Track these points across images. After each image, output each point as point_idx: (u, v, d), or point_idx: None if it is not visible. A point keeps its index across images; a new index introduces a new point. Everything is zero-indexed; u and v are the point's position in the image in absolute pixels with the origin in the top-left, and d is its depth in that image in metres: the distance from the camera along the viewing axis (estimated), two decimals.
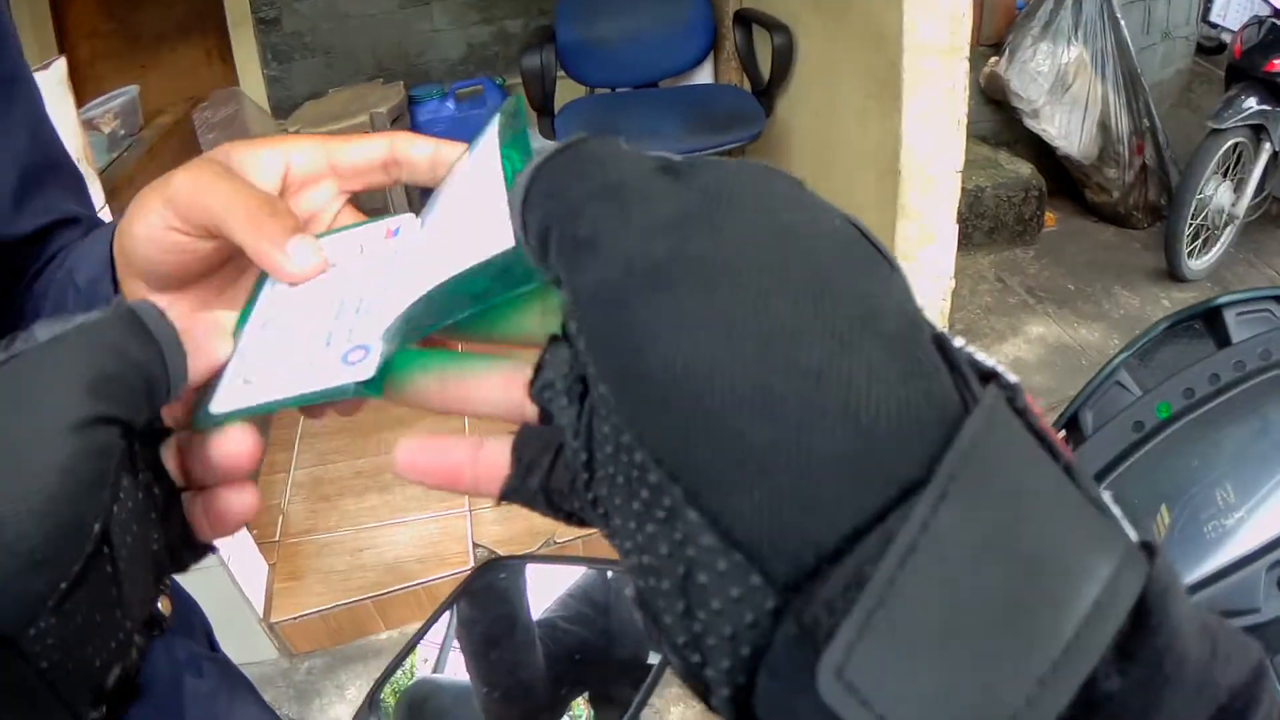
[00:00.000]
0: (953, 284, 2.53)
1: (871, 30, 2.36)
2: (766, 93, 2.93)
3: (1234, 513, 0.67)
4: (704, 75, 3.40)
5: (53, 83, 1.95)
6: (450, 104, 3.83)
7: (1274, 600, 0.64)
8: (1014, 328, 3.24)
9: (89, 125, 2.51)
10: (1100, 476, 0.71)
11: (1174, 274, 3.50)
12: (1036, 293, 3.44)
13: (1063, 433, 0.83)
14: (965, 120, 2.34)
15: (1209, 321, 0.80)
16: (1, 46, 0.71)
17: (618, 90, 3.38)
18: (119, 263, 0.50)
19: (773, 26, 2.84)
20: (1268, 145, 3.42)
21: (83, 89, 4.38)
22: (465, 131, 3.75)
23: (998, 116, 3.94)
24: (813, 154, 2.91)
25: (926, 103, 2.27)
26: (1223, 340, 0.78)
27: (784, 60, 2.82)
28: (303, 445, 2.79)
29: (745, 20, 3.05)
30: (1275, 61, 3.35)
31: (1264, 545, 0.66)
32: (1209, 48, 4.79)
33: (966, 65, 2.29)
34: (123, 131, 2.63)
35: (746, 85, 3.12)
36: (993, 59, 3.79)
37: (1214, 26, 4.49)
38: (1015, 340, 3.18)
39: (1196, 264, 3.54)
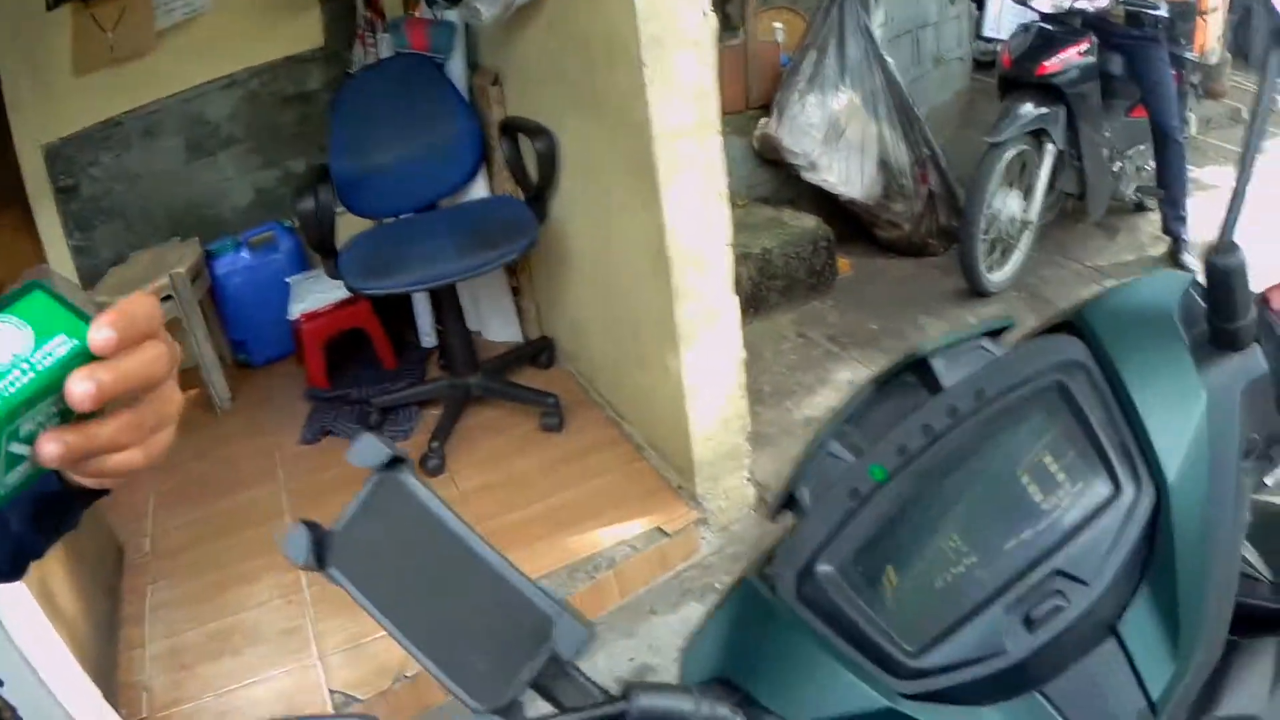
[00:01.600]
0: (743, 354, 2.58)
1: (623, 120, 2.42)
2: (539, 198, 2.97)
3: (964, 560, 0.67)
4: (480, 189, 3.43)
5: None
6: (245, 254, 3.86)
7: (1018, 638, 0.64)
8: (821, 379, 3.29)
9: None
10: (822, 550, 0.68)
11: (977, 290, 3.60)
12: (840, 340, 3.50)
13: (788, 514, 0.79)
14: (725, 192, 2.41)
15: (919, 373, 0.76)
16: None
17: (401, 217, 3.39)
18: None
19: (534, 132, 2.89)
20: (1050, 146, 3.54)
21: None
22: (263, 278, 3.80)
23: (776, 176, 3.99)
24: (589, 252, 2.97)
25: (685, 183, 2.34)
26: (935, 389, 0.74)
27: (548, 164, 2.87)
28: (154, 618, 2.75)
29: (511, 130, 3.09)
30: (1045, 64, 3.46)
31: (999, 586, 0.65)
32: (987, 63, 4.89)
33: (719, 139, 2.37)
34: None
35: (521, 195, 3.17)
36: (763, 120, 3.87)
37: (988, 41, 4.62)
38: (824, 390, 3.23)
39: (998, 276, 3.66)
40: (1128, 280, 0.81)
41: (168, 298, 3.47)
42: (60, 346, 0.54)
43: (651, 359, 2.67)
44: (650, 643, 2.45)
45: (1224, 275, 0.67)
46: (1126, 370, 0.69)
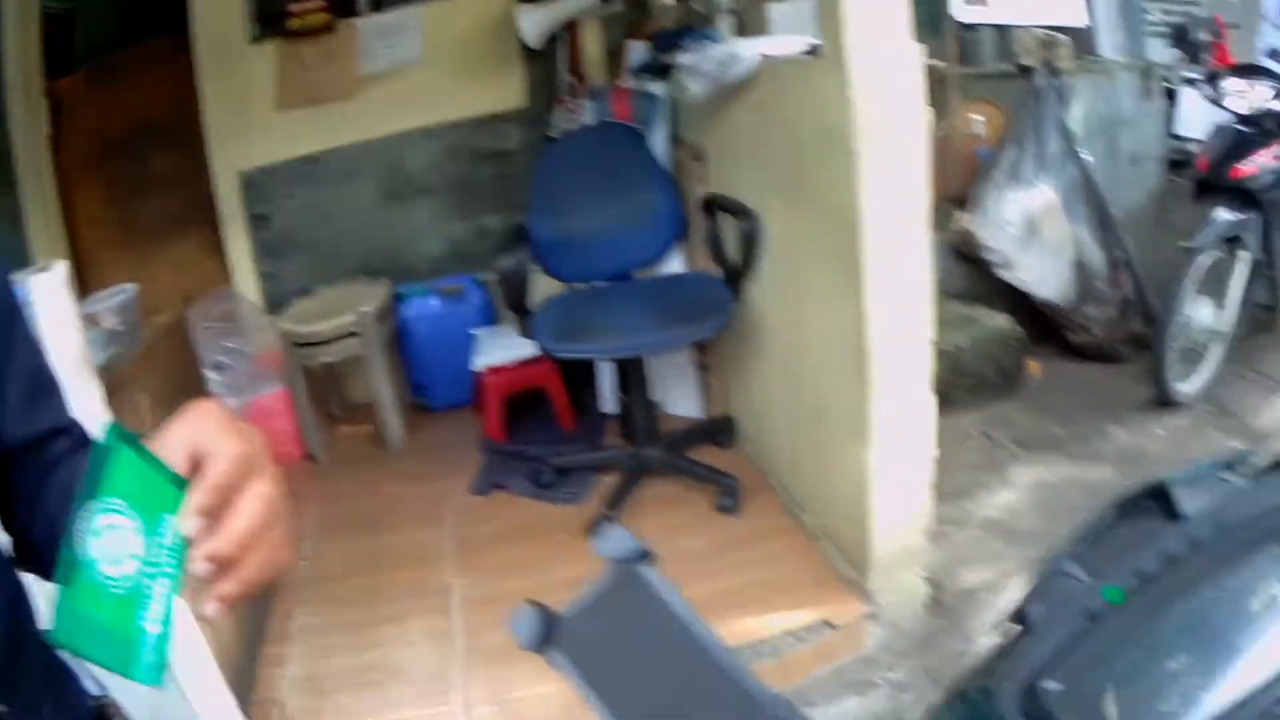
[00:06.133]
0: (935, 453, 2.52)
1: (830, 210, 2.41)
2: (736, 279, 2.96)
3: (1192, 687, 0.64)
4: (676, 263, 3.47)
5: (55, 285, 2.02)
6: (434, 301, 4.00)
7: None
8: (1003, 480, 3.21)
9: (89, 320, 2.57)
10: (1050, 668, 0.68)
11: (1165, 401, 3.47)
12: (1024, 442, 3.42)
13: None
14: (931, 290, 2.38)
15: (1158, 500, 0.78)
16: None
17: (593, 284, 3.44)
18: None
19: (738, 212, 2.88)
20: (1244, 254, 3.43)
21: (88, 276, 4.49)
22: (449, 327, 3.89)
23: (970, 272, 3.93)
24: (781, 336, 2.96)
25: (891, 277, 2.32)
26: (1173, 516, 0.75)
27: (750, 245, 2.85)
28: (299, 640, 2.82)
29: (712, 207, 3.11)
30: (1240, 167, 3.36)
31: (1223, 713, 0.62)
32: (1178, 162, 4.62)
33: (928, 235, 2.34)
34: (121, 328, 2.73)
35: (718, 272, 3.16)
36: (959, 214, 3.82)
37: (1180, 139, 4.45)
38: (1004, 492, 3.15)
39: (1187, 387, 3.52)
40: None
41: (353, 334, 3.62)
42: (171, 533, 0.61)
43: (838, 450, 2.63)
44: None
45: None
46: None
